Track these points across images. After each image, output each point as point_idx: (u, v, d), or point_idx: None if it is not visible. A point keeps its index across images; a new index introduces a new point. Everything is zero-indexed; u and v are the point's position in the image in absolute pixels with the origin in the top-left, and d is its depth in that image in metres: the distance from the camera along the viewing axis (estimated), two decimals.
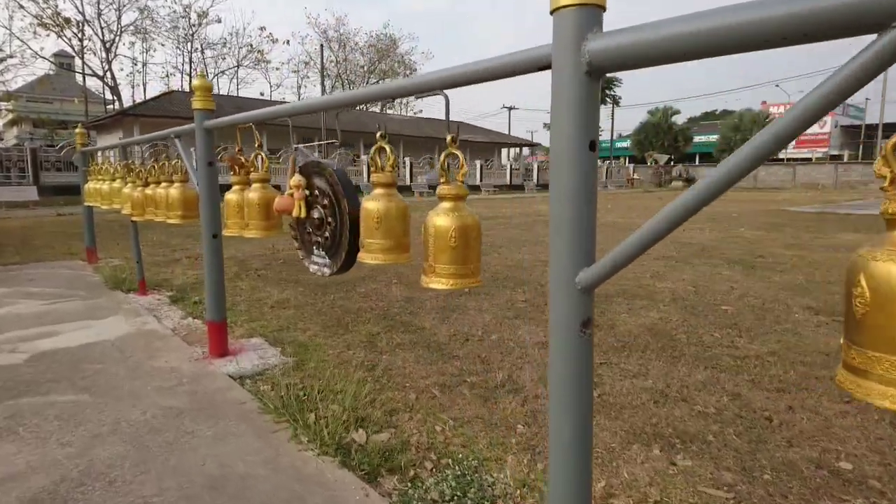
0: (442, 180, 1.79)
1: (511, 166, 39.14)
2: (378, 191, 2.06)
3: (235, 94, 47.84)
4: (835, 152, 60.90)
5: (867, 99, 63.30)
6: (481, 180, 36.07)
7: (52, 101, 50.79)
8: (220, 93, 46.49)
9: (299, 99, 53.97)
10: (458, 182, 1.80)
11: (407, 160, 33.70)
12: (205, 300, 4.34)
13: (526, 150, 53.33)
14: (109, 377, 3.14)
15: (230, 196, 2.98)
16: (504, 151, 46.96)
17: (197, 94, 3.30)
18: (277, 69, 73.37)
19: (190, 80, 48.80)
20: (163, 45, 55.69)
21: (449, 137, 1.75)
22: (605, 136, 49.58)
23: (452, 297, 5.08)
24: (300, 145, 2.54)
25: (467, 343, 3.77)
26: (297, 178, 2.43)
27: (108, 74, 42.59)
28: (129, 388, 2.99)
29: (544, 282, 5.75)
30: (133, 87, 51.23)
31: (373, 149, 2.03)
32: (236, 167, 2.98)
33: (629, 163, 51.66)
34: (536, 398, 2.83)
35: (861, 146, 58.30)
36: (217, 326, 3.49)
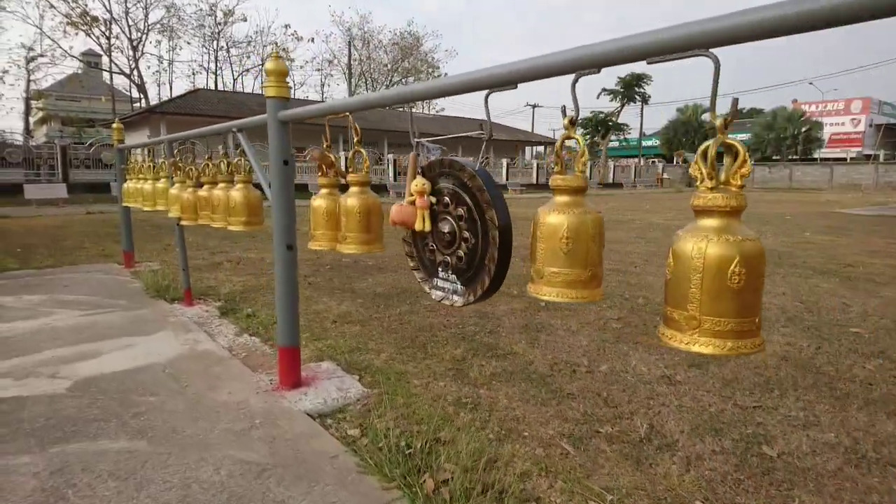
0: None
1: (537, 164, 38.39)
2: (561, 198, 1.51)
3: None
4: (869, 151, 58.97)
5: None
6: (507, 179, 35.43)
7: (79, 100, 51.29)
8: (246, 90, 46.57)
9: (322, 98, 53.88)
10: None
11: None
12: (263, 315, 3.86)
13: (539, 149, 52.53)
14: (167, 415, 2.64)
15: (319, 202, 2.46)
16: (528, 150, 46.26)
17: (270, 79, 2.79)
18: (301, 67, 73.09)
19: (216, 79, 48.96)
20: (188, 43, 55.77)
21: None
22: (633, 134, 48.54)
23: (531, 312, 4.52)
24: (423, 139, 1.99)
25: (575, 375, 3.20)
26: (420, 182, 1.89)
27: (135, 72, 42.83)
28: (193, 431, 2.48)
29: (629, 295, 5.16)
30: (159, 86, 51.25)
31: (558, 142, 1.48)
32: (324, 166, 2.45)
33: (657, 161, 50.58)
34: (700, 459, 2.26)
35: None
36: (290, 353, 2.97)
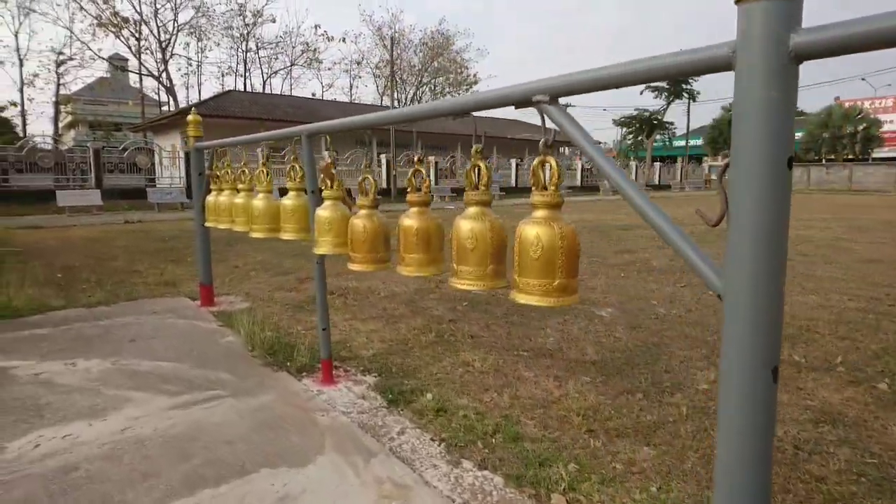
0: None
1: (582, 166, 36.49)
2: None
3: (289, 94, 46.61)
4: None
5: None
6: (583, 181, 33.59)
7: (106, 104, 50.59)
8: (274, 92, 45.34)
9: (351, 100, 52.62)
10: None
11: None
12: (457, 402, 2.22)
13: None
14: None
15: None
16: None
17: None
18: (329, 69, 71.93)
19: (245, 80, 47.87)
20: (217, 44, 54.61)
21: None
22: (676, 132, 46.32)
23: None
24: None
25: None
26: None
27: (164, 75, 41.85)
28: None
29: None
30: (188, 88, 50.51)
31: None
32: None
33: (702, 162, 48.32)
34: None
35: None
36: None
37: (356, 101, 50.06)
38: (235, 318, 4.30)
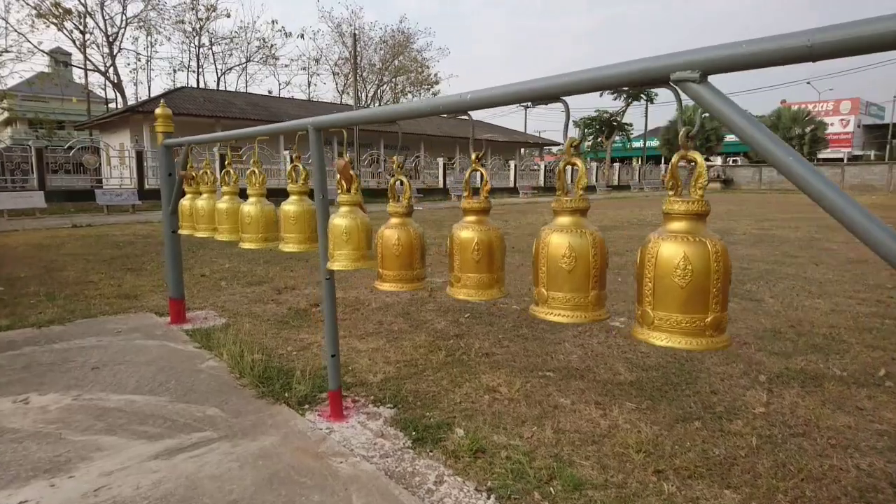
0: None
1: (545, 167, 36.61)
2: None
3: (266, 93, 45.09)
4: (858, 152, 58.77)
5: (894, 97, 60.92)
6: (516, 182, 33.60)
7: (47, 100, 47.81)
8: (229, 89, 43.70)
9: (309, 97, 51.35)
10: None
11: (440, 160, 31.20)
12: (495, 440, 1.88)
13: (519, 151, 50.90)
14: None
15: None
16: (522, 151, 44.47)
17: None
18: (286, 66, 70.17)
19: (198, 77, 46.10)
20: (169, 39, 52.44)
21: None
22: (634, 134, 47.11)
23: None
24: None
25: None
26: None
27: (112, 70, 39.86)
28: None
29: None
30: (136, 85, 48.20)
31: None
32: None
33: (660, 163, 49.37)
34: None
35: (889, 146, 56.14)
36: None
37: (315, 100, 48.89)
38: (214, 338, 3.80)
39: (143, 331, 4.12)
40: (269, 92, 47.84)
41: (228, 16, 56.94)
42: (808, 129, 42.95)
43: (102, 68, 39.43)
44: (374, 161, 31.36)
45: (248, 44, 47.93)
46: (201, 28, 44.34)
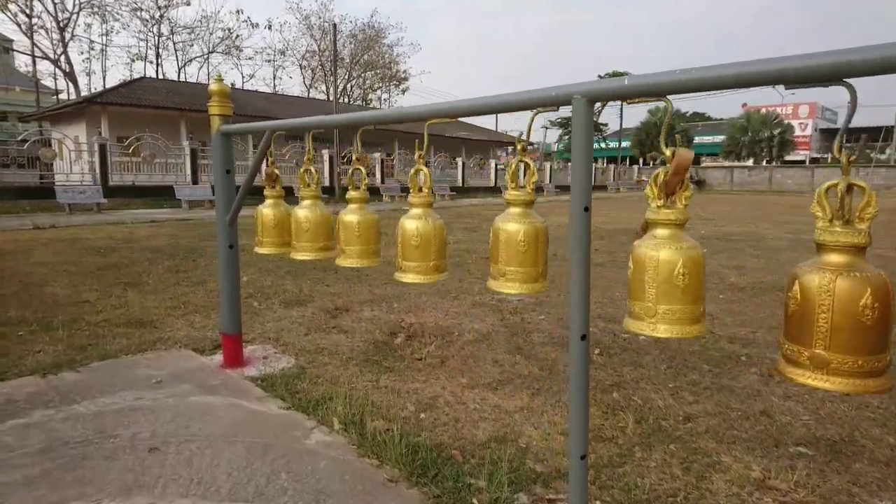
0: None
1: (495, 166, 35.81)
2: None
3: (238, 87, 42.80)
4: (815, 155, 60.82)
5: (849, 103, 62.76)
6: (496, 181, 32.88)
7: None
8: (188, 81, 41.31)
9: (274, 91, 49.34)
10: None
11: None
12: None
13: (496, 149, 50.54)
14: None
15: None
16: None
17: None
18: (251, 59, 67.48)
19: (157, 68, 43.63)
20: (126, 27, 49.11)
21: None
22: (611, 134, 47.15)
23: None
24: None
25: None
26: None
27: (63, 58, 37.19)
28: None
29: None
30: (89, 75, 45.14)
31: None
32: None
33: (630, 164, 49.69)
34: None
35: (843, 150, 57.97)
36: None
37: (280, 93, 47.00)
38: (301, 391, 2.80)
39: (190, 379, 3.07)
40: (233, 85, 45.68)
41: (189, 3, 54.05)
42: (776, 132, 43.76)
43: (53, 56, 36.75)
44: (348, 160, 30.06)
45: (211, 34, 45.57)
46: (161, 16, 41.97)
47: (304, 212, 2.52)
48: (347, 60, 50.96)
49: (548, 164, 38.85)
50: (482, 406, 2.74)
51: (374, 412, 2.61)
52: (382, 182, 26.40)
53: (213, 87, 3.00)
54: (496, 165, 33.49)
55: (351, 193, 2.48)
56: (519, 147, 1.76)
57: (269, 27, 62.93)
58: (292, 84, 59.76)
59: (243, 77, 57.04)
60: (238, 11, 45.16)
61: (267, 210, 2.72)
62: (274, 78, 57.74)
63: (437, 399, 2.83)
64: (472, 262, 7.25)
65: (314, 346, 3.69)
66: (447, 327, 4.15)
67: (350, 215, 2.42)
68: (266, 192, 2.78)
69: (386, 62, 53.80)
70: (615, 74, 43.73)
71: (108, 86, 37.28)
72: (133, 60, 43.69)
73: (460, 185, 30.82)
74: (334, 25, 25.39)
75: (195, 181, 20.96)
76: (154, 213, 15.20)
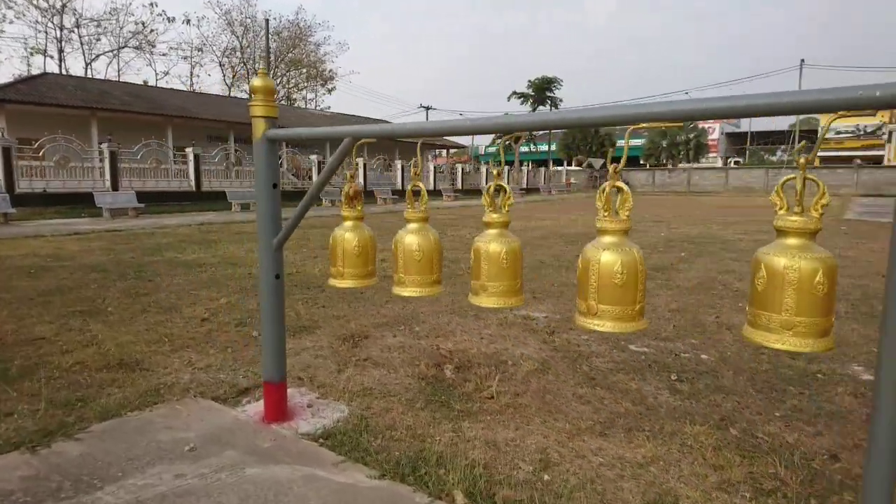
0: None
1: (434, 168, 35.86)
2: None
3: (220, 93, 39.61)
4: (721, 157, 65.38)
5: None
6: (435, 185, 32.59)
7: None
8: (95, 77, 37.97)
9: (191, 89, 46.45)
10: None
11: (360, 161, 29.34)
12: None
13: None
14: None
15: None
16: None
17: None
18: (165, 54, 63.25)
19: (60, 63, 39.87)
20: (21, 16, 44.76)
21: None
22: (542, 138, 48.18)
23: None
24: None
25: None
26: None
27: None
28: None
29: None
30: None
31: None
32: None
33: (556, 166, 51.03)
34: None
35: (747, 152, 62.83)
36: None
37: (198, 91, 44.32)
38: (395, 458, 2.30)
39: (233, 442, 2.48)
40: (145, 82, 42.59)
41: None
42: (692, 136, 46.36)
43: None
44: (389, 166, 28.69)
45: (122, 28, 42.20)
46: (63, 6, 38.42)
47: (412, 237, 2.05)
48: (272, 59, 48.99)
49: (483, 168, 39.06)
50: (606, 460, 2.36)
51: (488, 477, 2.17)
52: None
53: (257, 82, 2.43)
54: (434, 168, 33.19)
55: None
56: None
57: (187, 22, 59.23)
58: (211, 82, 56.56)
59: (156, 74, 53.33)
60: (152, 4, 41.98)
61: (349, 235, 2.21)
62: (191, 76, 54.51)
63: (547, 452, 2.42)
64: (461, 273, 6.85)
65: (358, 386, 3.17)
66: (493, 355, 3.73)
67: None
68: (344, 213, 2.26)
69: (312, 61, 52.20)
70: (546, 80, 44.75)
71: (1, 81, 33.58)
72: (31, 54, 39.76)
73: (400, 188, 30.31)
74: (266, 21, 24.00)
75: (115, 187, 19.18)
76: (74, 224, 13.65)
